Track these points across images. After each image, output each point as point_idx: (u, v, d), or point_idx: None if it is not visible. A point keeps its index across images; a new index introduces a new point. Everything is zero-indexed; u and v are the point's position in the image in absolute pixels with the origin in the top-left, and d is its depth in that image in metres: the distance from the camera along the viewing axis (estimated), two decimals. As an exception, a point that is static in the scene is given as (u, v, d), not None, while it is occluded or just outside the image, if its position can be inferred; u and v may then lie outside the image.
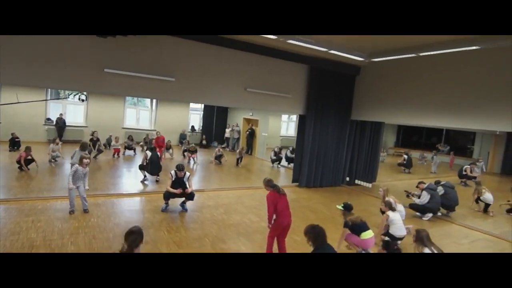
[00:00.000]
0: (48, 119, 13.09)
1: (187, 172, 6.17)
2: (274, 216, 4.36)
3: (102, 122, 13.69)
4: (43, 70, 5.44)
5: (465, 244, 5.75)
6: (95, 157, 10.50)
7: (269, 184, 4.44)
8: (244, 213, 6.41)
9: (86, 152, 7.04)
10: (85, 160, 5.53)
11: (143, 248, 2.72)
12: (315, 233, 3.50)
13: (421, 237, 3.80)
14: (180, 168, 6.02)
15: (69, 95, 11.51)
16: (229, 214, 6.28)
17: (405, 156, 13.57)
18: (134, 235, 2.60)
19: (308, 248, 4.20)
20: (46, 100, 12.47)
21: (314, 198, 8.02)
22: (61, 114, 12.90)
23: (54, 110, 13.28)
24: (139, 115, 15.31)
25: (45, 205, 5.84)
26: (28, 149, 8.31)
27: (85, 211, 5.60)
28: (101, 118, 13.82)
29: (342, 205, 4.86)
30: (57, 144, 9.60)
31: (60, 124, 12.79)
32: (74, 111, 13.76)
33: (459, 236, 6.14)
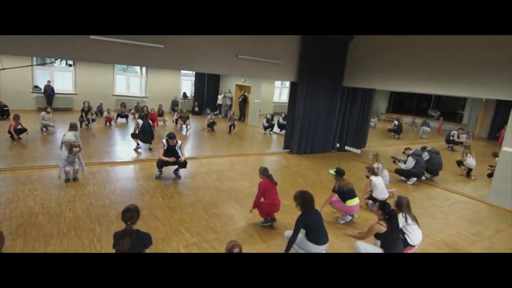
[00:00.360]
0: (36, 86, 12.80)
1: (179, 141, 6.27)
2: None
3: (91, 90, 13.45)
4: (28, 38, 5.27)
5: (445, 206, 6.10)
6: (87, 125, 10.47)
7: (264, 173, 4.64)
8: (236, 179, 6.62)
9: (76, 140, 7.02)
10: (74, 149, 5.56)
11: (136, 225, 2.88)
12: (303, 199, 3.72)
13: (400, 203, 4.06)
14: (171, 136, 6.10)
15: (55, 60, 11.18)
16: (222, 180, 6.49)
17: (396, 122, 13.77)
18: (130, 212, 2.75)
19: (296, 213, 4.45)
20: (32, 65, 12.09)
21: (303, 164, 8.26)
22: (48, 81, 12.61)
23: (41, 77, 12.94)
24: (129, 81, 15.02)
25: (40, 174, 5.95)
26: (16, 117, 8.24)
27: (78, 177, 5.74)
28: (90, 86, 13.55)
29: (335, 170, 5.06)
30: (48, 113, 9.50)
31: (49, 92, 12.54)
32: (62, 78, 13.44)
33: (440, 199, 6.49)
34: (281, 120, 12.41)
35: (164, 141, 6.17)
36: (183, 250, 3.83)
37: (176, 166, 6.34)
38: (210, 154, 8.51)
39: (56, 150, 7.35)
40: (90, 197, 5.14)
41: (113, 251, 2.77)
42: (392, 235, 3.51)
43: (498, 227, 5.28)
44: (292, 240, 3.58)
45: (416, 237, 4.03)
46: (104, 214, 4.59)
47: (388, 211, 3.56)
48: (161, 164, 6.16)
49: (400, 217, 4.03)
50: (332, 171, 5.10)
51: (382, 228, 3.50)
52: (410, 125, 16.55)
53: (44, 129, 9.29)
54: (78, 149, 5.59)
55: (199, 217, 4.77)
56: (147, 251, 2.79)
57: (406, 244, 4.00)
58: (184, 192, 5.74)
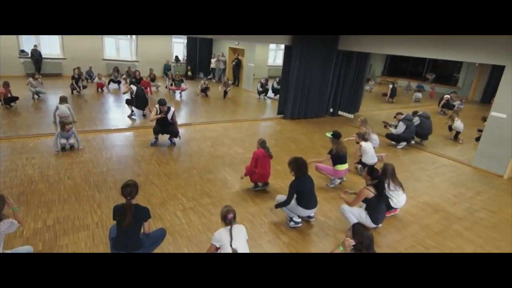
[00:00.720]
0: (22, 51, 12.36)
1: (171, 108, 6.29)
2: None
3: (80, 54, 13.04)
4: None
5: (431, 169, 6.35)
6: (78, 92, 10.32)
7: (262, 144, 4.75)
8: (230, 145, 6.76)
9: (70, 113, 7.00)
10: (67, 127, 5.57)
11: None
12: (297, 165, 3.89)
13: (386, 170, 4.25)
14: (162, 102, 6.12)
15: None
16: (216, 146, 6.62)
17: (390, 86, 13.74)
18: (129, 187, 2.85)
19: (288, 178, 4.63)
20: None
21: (297, 130, 8.38)
22: (35, 46, 12.16)
23: (27, 42, 12.45)
24: (118, 45, 14.53)
25: (36, 142, 6.01)
26: (6, 85, 8.09)
27: (74, 145, 5.83)
28: (79, 50, 13.11)
29: (331, 133, 5.20)
30: (36, 79, 9.29)
31: (36, 56, 12.15)
32: (49, 42, 12.94)
33: (427, 162, 6.73)
34: (275, 85, 12.31)
35: (157, 106, 6.19)
36: (180, 214, 4.04)
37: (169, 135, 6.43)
38: (205, 120, 8.55)
39: (50, 118, 7.34)
40: (87, 164, 5.26)
41: (113, 222, 2.92)
42: (379, 200, 3.72)
43: (479, 189, 5.57)
44: (285, 203, 3.79)
45: (399, 201, 4.27)
46: (102, 181, 4.74)
47: (376, 176, 3.74)
48: (157, 130, 6.24)
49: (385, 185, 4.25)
50: (328, 134, 5.24)
51: (370, 193, 3.70)
52: (405, 88, 16.50)
53: (36, 96, 9.17)
54: (70, 126, 5.63)
55: (195, 182, 4.96)
56: (146, 224, 2.93)
57: (390, 207, 4.26)
58: (180, 158, 5.88)
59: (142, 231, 2.97)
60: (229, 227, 2.86)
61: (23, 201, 4.01)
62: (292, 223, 3.95)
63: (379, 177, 3.74)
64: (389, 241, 3.85)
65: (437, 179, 5.86)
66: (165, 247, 3.35)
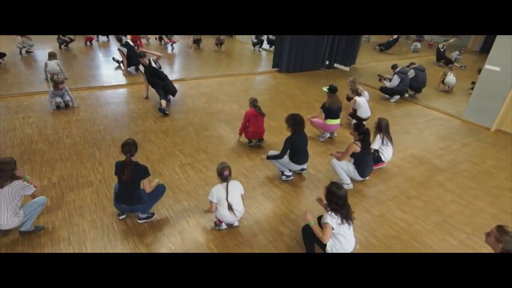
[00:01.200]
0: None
1: (150, 58, 6.20)
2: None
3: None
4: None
5: (421, 122, 6.51)
6: (66, 46, 9.97)
7: (253, 103, 4.79)
8: (225, 101, 6.79)
9: (60, 69, 6.82)
10: (60, 86, 5.48)
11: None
12: (294, 121, 4.02)
13: (380, 125, 4.41)
14: (141, 55, 6.11)
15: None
16: (211, 102, 6.65)
17: (390, 39, 13.42)
18: (129, 146, 2.98)
19: (282, 133, 4.76)
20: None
21: (292, 84, 8.34)
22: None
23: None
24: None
25: (30, 101, 6.01)
26: (-8, 40, 7.80)
27: (69, 104, 5.85)
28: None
29: (328, 87, 5.25)
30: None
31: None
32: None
33: (418, 116, 6.87)
34: (270, 36, 11.91)
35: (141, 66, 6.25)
36: (178, 170, 4.25)
37: (164, 106, 6.00)
38: (198, 75, 8.44)
39: (41, 75, 7.21)
40: (84, 123, 5.34)
41: (115, 177, 3.11)
42: (365, 153, 3.92)
43: (465, 141, 5.79)
44: (278, 156, 3.99)
45: (388, 155, 4.50)
46: (100, 139, 4.87)
47: (362, 131, 3.90)
48: (161, 93, 6.09)
49: (378, 138, 4.43)
50: (325, 89, 5.29)
51: (358, 147, 3.89)
52: (405, 38, 16.02)
53: (24, 52, 8.88)
54: (63, 85, 5.58)
55: (191, 139, 5.10)
56: (146, 181, 3.10)
57: (379, 160, 4.49)
58: (175, 115, 5.95)
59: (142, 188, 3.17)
60: (225, 183, 3.07)
61: (26, 160, 4.16)
62: (284, 177, 4.19)
63: (365, 131, 3.89)
64: (374, 191, 4.13)
65: (427, 132, 6.05)
66: (166, 201, 3.60)
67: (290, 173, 4.21)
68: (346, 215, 2.70)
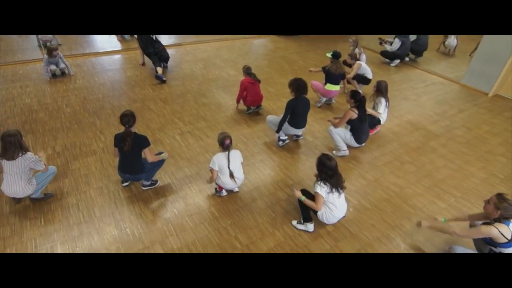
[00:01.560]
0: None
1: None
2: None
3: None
4: None
5: (420, 88, 6.50)
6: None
7: (247, 71, 4.76)
8: (223, 67, 6.70)
9: (50, 38, 6.63)
10: (54, 53, 5.39)
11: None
12: (297, 85, 4.06)
13: (381, 88, 4.45)
14: None
15: None
16: (208, 69, 6.57)
17: None
18: (127, 117, 3.01)
19: (281, 99, 4.79)
20: None
21: (291, 48, 8.17)
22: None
23: None
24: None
25: (25, 69, 5.93)
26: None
27: (65, 72, 5.79)
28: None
29: (331, 53, 5.21)
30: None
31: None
32: None
33: (417, 81, 6.84)
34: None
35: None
36: (178, 138, 4.34)
37: (161, 73, 5.89)
38: (195, 39, 8.22)
39: (33, 42, 7.04)
40: (82, 91, 5.33)
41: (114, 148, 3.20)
42: (361, 120, 4.00)
43: (462, 107, 5.83)
44: (282, 122, 4.07)
45: (385, 118, 4.61)
46: (100, 108, 4.90)
47: (358, 99, 3.94)
48: (155, 61, 5.98)
49: (383, 102, 4.49)
50: (328, 55, 5.28)
51: (354, 114, 3.95)
52: None
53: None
54: (57, 51, 5.47)
55: (190, 107, 5.13)
56: (147, 151, 3.16)
57: (375, 124, 4.58)
58: (173, 82, 5.92)
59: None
60: (226, 152, 3.17)
61: (28, 130, 4.23)
62: (280, 142, 4.29)
63: (361, 99, 3.94)
64: (369, 157, 4.26)
65: (424, 98, 6.07)
66: (168, 168, 3.73)
67: (286, 137, 4.31)
68: (335, 184, 2.84)
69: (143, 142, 3.14)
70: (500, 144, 4.77)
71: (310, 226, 3.08)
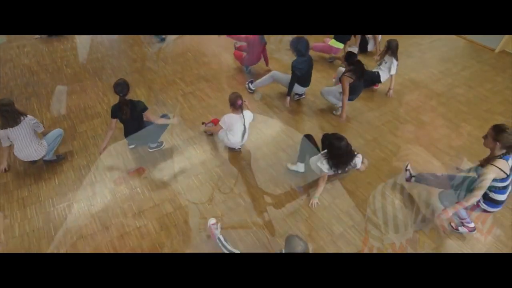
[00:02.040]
0: None
1: None
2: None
3: None
4: None
5: (425, 44, 6.32)
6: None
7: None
8: (223, 23, 6.47)
9: None
10: None
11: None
12: (299, 43, 3.99)
13: (392, 46, 4.38)
14: None
15: None
16: (208, 25, 6.35)
17: None
18: (120, 86, 3.01)
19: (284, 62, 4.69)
20: None
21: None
22: None
23: None
24: None
25: (19, 27, 5.75)
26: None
27: None
28: None
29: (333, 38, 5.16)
30: None
31: None
32: None
33: (423, 36, 6.61)
34: None
35: None
36: (181, 99, 4.37)
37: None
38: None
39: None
40: (80, 51, 5.24)
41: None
42: (358, 83, 3.97)
43: (467, 64, 5.74)
44: (291, 84, 4.12)
45: (385, 78, 4.60)
46: (100, 68, 4.86)
47: (352, 61, 3.89)
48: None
49: (395, 63, 4.44)
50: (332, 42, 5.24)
51: (350, 79, 3.90)
52: None
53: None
54: None
55: (191, 66, 5.08)
56: (148, 114, 3.20)
57: (378, 80, 4.58)
58: (172, 41, 5.77)
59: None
60: (240, 114, 3.26)
61: (31, 92, 4.26)
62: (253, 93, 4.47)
63: (355, 62, 3.90)
64: (369, 117, 4.33)
65: (429, 55, 5.95)
66: (173, 129, 3.83)
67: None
68: (340, 164, 2.93)
69: (140, 107, 3.16)
70: (500, 102, 4.79)
71: (300, 166, 3.34)
